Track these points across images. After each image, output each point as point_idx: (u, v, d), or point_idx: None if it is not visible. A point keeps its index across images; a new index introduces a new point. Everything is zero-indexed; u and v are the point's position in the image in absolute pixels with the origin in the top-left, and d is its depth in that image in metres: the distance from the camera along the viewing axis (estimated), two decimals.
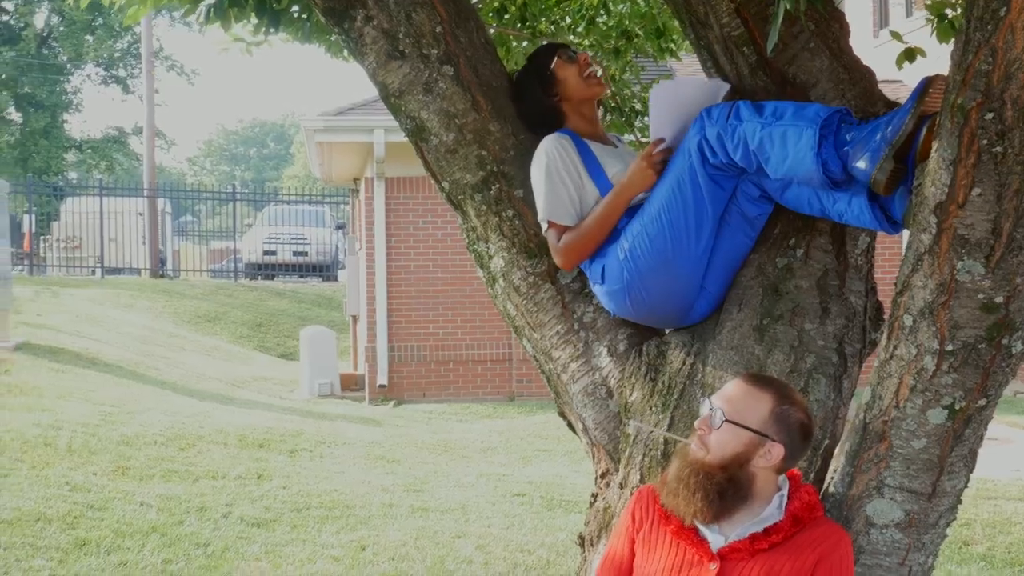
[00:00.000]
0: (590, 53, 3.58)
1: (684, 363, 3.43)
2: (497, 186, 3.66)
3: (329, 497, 7.31)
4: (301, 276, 26.51)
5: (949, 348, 2.76)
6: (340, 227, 27.60)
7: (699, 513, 2.71)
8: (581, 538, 3.66)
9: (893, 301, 2.89)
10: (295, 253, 26.17)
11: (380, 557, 5.77)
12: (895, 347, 2.87)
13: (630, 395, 3.50)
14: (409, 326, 14.68)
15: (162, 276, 26.59)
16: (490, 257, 3.76)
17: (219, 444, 9.09)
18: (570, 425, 3.83)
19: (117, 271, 26.51)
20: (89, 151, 35.07)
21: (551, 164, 3.45)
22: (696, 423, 2.82)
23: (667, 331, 3.59)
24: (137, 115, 31.81)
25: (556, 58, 3.62)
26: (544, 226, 3.51)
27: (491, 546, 6.09)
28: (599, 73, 3.61)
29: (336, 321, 21.32)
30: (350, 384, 15.75)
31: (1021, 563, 6.22)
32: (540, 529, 6.55)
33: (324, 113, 14.20)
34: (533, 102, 3.60)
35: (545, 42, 3.85)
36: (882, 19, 18.28)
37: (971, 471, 3.00)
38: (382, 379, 14.57)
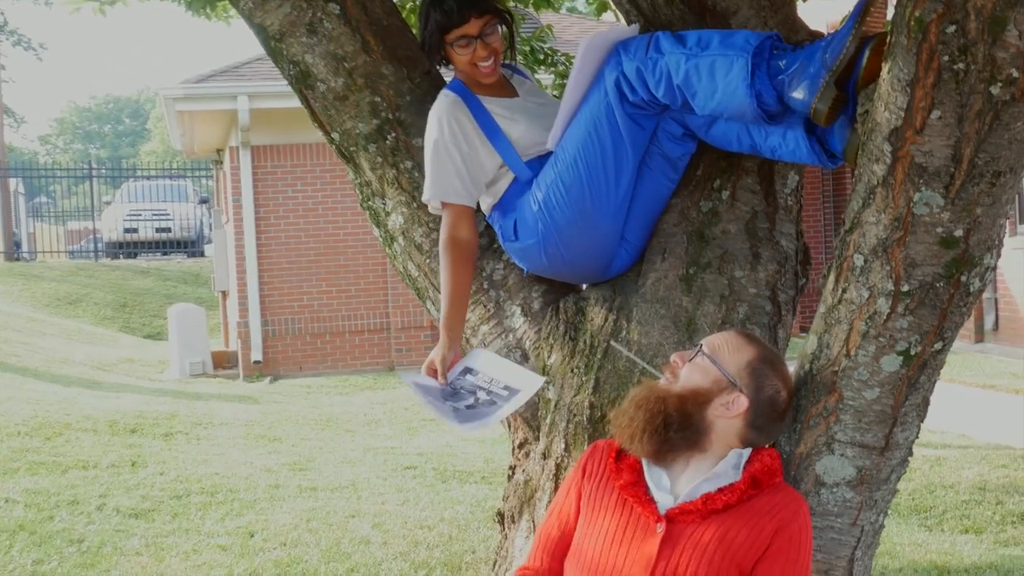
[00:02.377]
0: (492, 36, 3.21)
1: (606, 320, 3.17)
2: (393, 135, 3.34)
3: (210, 481, 6.91)
4: (165, 253, 25.67)
5: (905, 288, 2.53)
6: (204, 201, 26.78)
7: (638, 438, 2.48)
8: (500, 514, 3.38)
9: (841, 240, 2.66)
10: (158, 230, 25.30)
11: (271, 543, 5.42)
12: (844, 290, 2.64)
13: (548, 357, 3.23)
14: (282, 299, 14.22)
15: (17, 259, 25.50)
16: (387, 214, 3.44)
17: (88, 431, 8.59)
18: None
19: None
20: None
21: (438, 140, 3.13)
22: (672, 357, 2.60)
23: (585, 286, 3.32)
24: None
25: (449, 46, 3.20)
26: (432, 205, 3.19)
27: (388, 524, 5.78)
28: (491, 63, 3.21)
29: (204, 298, 20.67)
30: (223, 362, 15.22)
31: (925, 509, 6.15)
32: (437, 503, 6.27)
33: (185, 81, 13.61)
34: (426, 37, 3.22)
35: None
36: None
37: (923, 420, 2.79)
38: (256, 355, 14.09)
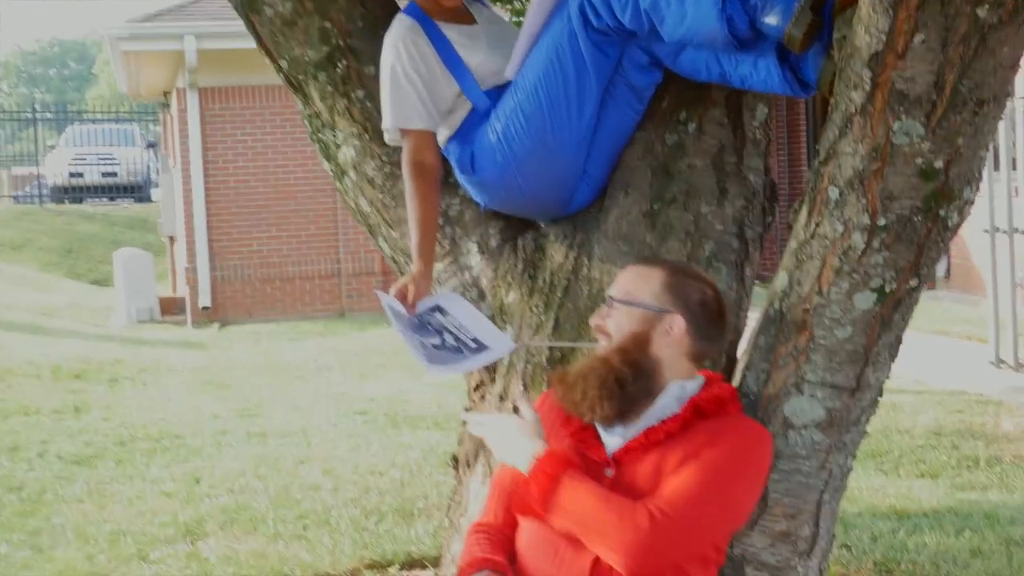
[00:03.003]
0: None
1: (567, 257, 3.04)
2: (344, 63, 3.18)
3: (156, 428, 6.76)
4: (112, 199, 25.24)
5: (881, 223, 2.43)
6: (151, 145, 26.33)
7: (598, 407, 2.38)
8: (455, 459, 3.26)
9: (814, 171, 2.54)
10: (104, 174, 24.84)
11: (217, 489, 5.28)
12: (817, 224, 2.52)
13: (506, 296, 3.11)
14: (231, 244, 13.98)
15: None
16: (337, 147, 3.29)
17: (31, 377, 8.40)
18: None
19: None
20: None
21: (396, 65, 2.96)
22: (592, 323, 2.49)
23: (544, 223, 3.19)
24: None
25: None
26: (391, 135, 3.03)
27: (339, 470, 5.66)
28: None
29: (152, 244, 20.34)
30: (170, 308, 14.98)
31: (881, 454, 6.11)
32: (389, 448, 6.15)
33: (131, 20, 13.26)
34: None
35: None
36: None
37: (894, 360, 2.70)
38: (204, 300, 13.87)
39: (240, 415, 7.30)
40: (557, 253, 3.06)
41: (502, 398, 3.06)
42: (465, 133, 3.03)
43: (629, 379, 2.39)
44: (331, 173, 3.38)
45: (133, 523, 4.74)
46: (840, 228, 2.48)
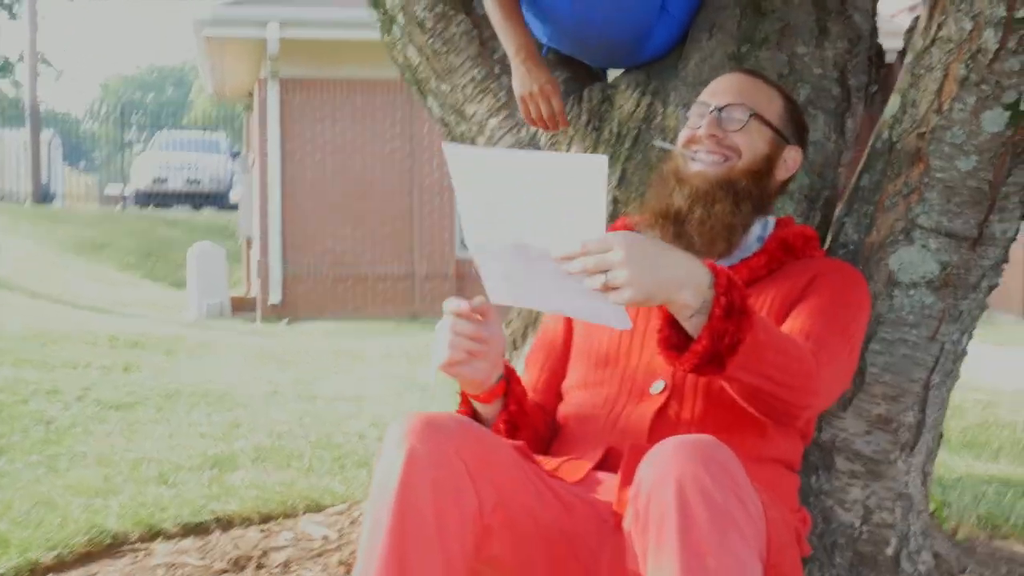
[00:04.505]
0: None
1: (639, 105, 2.64)
2: None
3: (205, 387, 6.42)
4: (195, 206, 25.31)
5: (1021, 14, 1.99)
6: (235, 155, 26.43)
7: (725, 232, 1.97)
8: None
9: None
10: (188, 181, 24.95)
11: (257, 433, 4.91)
12: (939, 25, 2.09)
13: (568, 152, 2.70)
14: (305, 241, 13.69)
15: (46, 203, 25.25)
16: None
17: (87, 343, 8.12)
18: None
19: None
20: None
21: None
22: (701, 130, 2.01)
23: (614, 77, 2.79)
24: (23, 43, 30.11)
25: None
26: None
27: (387, 421, 5.27)
28: None
29: (231, 251, 20.19)
30: (242, 307, 14.71)
31: (979, 445, 5.58)
32: (447, 409, 5.75)
33: (215, 4, 13.10)
34: None
35: None
36: None
37: None
38: (275, 297, 13.59)
39: (295, 382, 6.95)
40: (627, 102, 2.65)
41: None
42: None
43: (757, 206, 2.00)
44: (379, 25, 3.01)
45: (160, 454, 4.39)
46: (968, 26, 2.04)
